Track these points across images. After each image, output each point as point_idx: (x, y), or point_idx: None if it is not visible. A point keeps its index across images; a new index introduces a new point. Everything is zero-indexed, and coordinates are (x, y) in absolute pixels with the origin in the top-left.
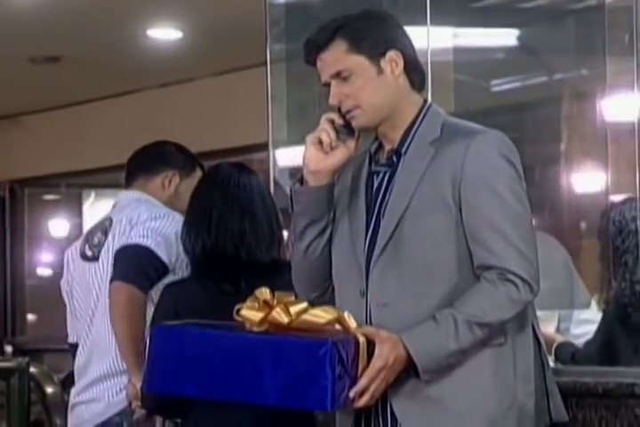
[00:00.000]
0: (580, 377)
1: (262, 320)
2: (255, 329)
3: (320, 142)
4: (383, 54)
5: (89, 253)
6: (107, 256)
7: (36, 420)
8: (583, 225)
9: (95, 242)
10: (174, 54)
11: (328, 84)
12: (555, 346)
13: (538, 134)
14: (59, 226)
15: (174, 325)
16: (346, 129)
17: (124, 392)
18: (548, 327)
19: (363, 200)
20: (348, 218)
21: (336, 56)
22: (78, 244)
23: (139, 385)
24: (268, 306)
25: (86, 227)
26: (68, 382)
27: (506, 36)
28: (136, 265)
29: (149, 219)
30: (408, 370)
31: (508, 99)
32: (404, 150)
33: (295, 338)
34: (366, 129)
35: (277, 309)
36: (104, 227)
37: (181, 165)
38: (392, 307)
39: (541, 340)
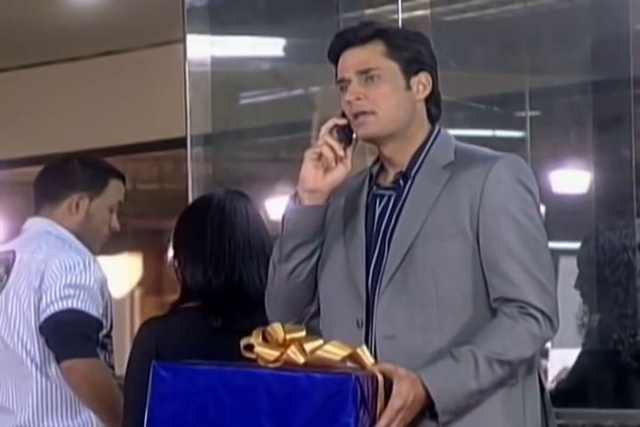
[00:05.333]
0: (600, 420)
1: (277, 359)
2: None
3: (319, 158)
4: (416, 73)
5: None
6: (6, 300)
7: None
8: None
9: None
10: None
11: (343, 82)
12: None
13: None
14: None
15: (178, 362)
16: (344, 134)
17: None
18: None
19: (362, 225)
20: (344, 243)
21: (371, 55)
22: None
23: None
24: (281, 344)
25: None
26: None
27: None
28: (78, 335)
29: (64, 269)
30: (422, 411)
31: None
32: (413, 173)
33: (314, 374)
34: (370, 140)
35: (292, 347)
36: (7, 261)
37: (88, 185)
38: (399, 339)
39: (544, 383)
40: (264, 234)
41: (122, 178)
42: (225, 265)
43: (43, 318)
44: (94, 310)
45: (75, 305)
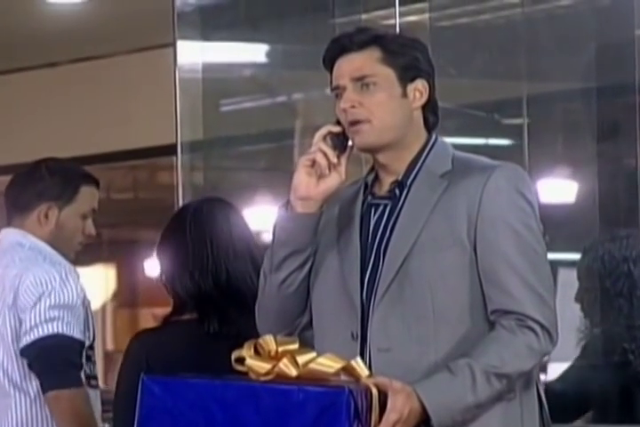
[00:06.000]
0: None
1: (268, 372)
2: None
3: (312, 165)
4: (413, 80)
5: None
6: None
7: None
8: None
9: None
10: None
11: (338, 89)
12: None
13: None
14: None
15: (167, 375)
16: (339, 142)
17: None
18: None
19: (357, 234)
20: (338, 253)
21: (366, 61)
22: None
23: None
24: (273, 356)
25: None
26: None
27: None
28: (62, 362)
29: (39, 285)
30: (417, 425)
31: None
32: (409, 182)
33: (307, 387)
34: (366, 150)
35: (285, 360)
36: None
37: (57, 194)
38: (395, 352)
39: (543, 399)
40: (247, 234)
41: (95, 183)
42: (209, 266)
43: (26, 341)
44: (77, 330)
45: (59, 330)
